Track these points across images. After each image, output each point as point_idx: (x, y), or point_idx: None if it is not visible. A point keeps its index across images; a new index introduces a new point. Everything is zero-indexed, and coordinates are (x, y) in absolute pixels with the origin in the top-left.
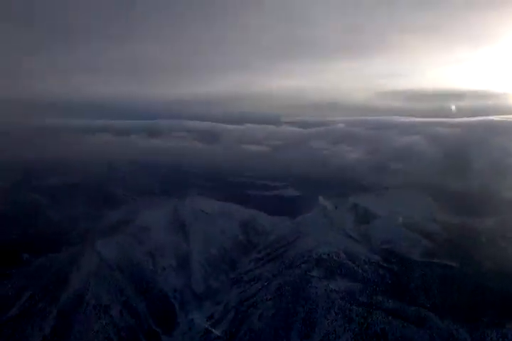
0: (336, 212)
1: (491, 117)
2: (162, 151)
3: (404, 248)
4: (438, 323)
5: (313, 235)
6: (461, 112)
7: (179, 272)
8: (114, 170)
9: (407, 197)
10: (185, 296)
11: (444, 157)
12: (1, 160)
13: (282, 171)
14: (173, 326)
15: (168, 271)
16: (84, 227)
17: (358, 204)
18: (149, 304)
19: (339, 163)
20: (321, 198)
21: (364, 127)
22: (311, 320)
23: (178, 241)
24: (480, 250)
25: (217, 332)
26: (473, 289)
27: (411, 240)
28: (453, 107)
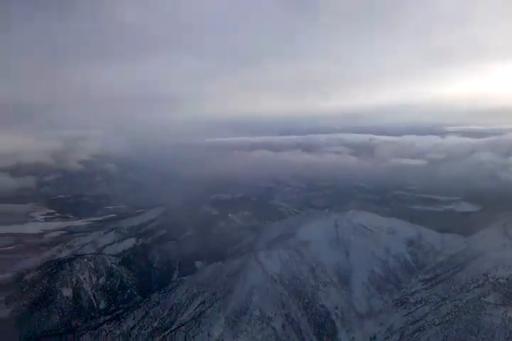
0: None
1: None
2: (320, 165)
3: None
4: None
5: (489, 256)
6: None
7: (340, 289)
8: (277, 184)
9: None
10: (346, 314)
11: None
12: (181, 176)
13: (450, 185)
14: None
15: (329, 287)
16: (249, 238)
17: None
18: (310, 319)
19: None
20: (498, 214)
21: None
22: None
23: (338, 256)
24: None
25: None
26: None
27: None
28: None
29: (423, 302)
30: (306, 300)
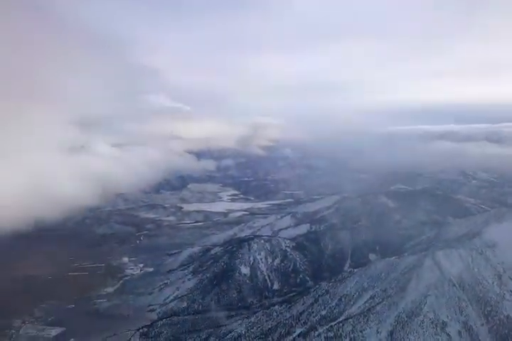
0: None
1: None
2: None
3: None
4: None
5: None
6: None
7: None
8: (463, 177)
9: None
10: None
11: None
12: (359, 165)
13: None
14: None
15: None
16: (427, 235)
17: None
18: (492, 329)
19: None
20: None
21: None
22: None
23: None
24: None
25: None
26: None
27: None
28: None
29: None
30: (489, 309)
